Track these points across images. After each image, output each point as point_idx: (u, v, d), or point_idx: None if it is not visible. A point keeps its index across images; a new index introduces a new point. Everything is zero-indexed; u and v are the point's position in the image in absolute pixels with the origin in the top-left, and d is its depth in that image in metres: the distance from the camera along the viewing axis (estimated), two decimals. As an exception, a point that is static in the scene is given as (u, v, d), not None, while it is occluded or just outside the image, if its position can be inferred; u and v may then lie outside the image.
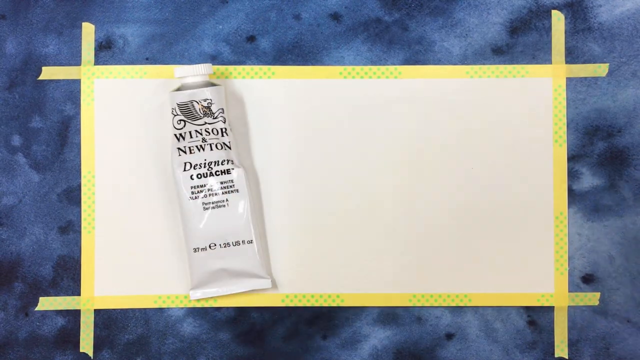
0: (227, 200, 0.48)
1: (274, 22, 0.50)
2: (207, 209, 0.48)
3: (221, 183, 0.48)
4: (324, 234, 0.50)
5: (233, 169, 0.48)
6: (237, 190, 0.48)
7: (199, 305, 0.49)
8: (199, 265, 0.48)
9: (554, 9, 0.50)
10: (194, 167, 0.48)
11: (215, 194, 0.48)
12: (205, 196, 0.48)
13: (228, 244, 0.48)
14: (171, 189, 0.49)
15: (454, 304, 0.49)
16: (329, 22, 0.50)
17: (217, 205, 0.48)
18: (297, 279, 0.49)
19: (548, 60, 0.50)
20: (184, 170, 0.47)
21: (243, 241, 0.48)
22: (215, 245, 0.48)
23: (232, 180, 0.48)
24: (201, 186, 0.48)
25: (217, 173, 0.48)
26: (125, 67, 0.50)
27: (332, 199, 0.50)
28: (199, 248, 0.48)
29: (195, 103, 0.46)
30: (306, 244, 0.49)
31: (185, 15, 0.50)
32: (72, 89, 0.50)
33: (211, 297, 0.49)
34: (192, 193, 0.48)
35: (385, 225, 0.49)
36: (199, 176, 0.48)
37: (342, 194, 0.50)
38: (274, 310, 0.50)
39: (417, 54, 0.50)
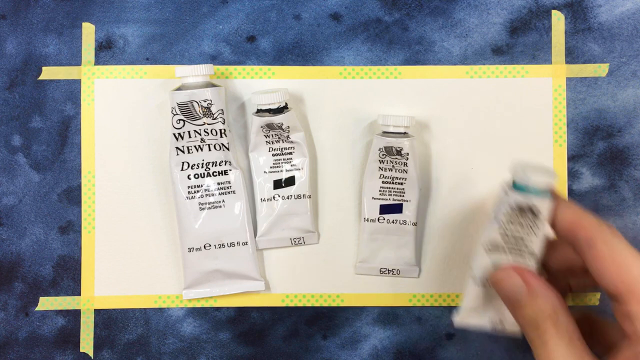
0: (223, 201, 0.47)
1: (274, 22, 0.49)
2: (203, 209, 0.46)
3: (218, 184, 0.47)
4: (324, 233, 0.49)
5: (230, 170, 0.47)
6: (234, 192, 0.47)
7: (198, 305, 0.48)
8: (193, 265, 0.47)
9: (554, 9, 0.49)
10: (192, 167, 0.46)
11: (212, 195, 0.47)
12: (201, 196, 0.47)
13: (223, 244, 0.47)
14: (171, 189, 0.48)
15: (454, 304, 0.48)
16: (329, 22, 0.49)
17: (213, 206, 0.47)
18: (297, 278, 0.49)
19: (548, 60, 0.49)
20: (182, 169, 0.46)
21: (238, 242, 0.47)
22: (210, 245, 0.47)
23: (229, 182, 0.47)
24: (198, 186, 0.47)
25: (215, 174, 0.47)
26: (125, 67, 0.49)
27: (331, 198, 0.49)
28: (193, 248, 0.46)
29: (195, 103, 0.45)
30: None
31: (186, 16, 0.49)
32: (72, 89, 0.49)
33: (204, 297, 0.48)
34: (189, 193, 0.46)
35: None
36: (196, 176, 0.47)
37: (340, 194, 0.49)
38: (274, 310, 0.49)
39: (417, 54, 0.49)
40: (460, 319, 0.42)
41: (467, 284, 0.42)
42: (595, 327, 0.40)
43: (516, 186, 0.39)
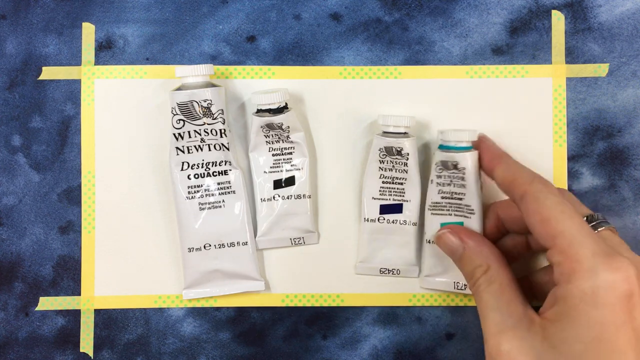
0: (223, 201, 0.47)
1: (274, 22, 0.49)
2: (203, 209, 0.46)
3: (218, 184, 0.47)
4: (324, 233, 0.49)
5: (230, 170, 0.47)
6: (234, 192, 0.47)
7: (198, 305, 0.48)
8: (193, 265, 0.47)
9: (554, 9, 0.49)
10: (192, 167, 0.46)
11: (212, 195, 0.47)
12: (201, 196, 0.47)
13: (223, 244, 0.47)
14: (171, 189, 0.48)
15: (453, 304, 0.48)
16: (329, 22, 0.49)
17: (213, 206, 0.47)
18: (297, 278, 0.49)
19: (548, 60, 0.49)
20: (182, 169, 0.46)
21: (238, 242, 0.47)
22: (210, 245, 0.47)
23: (229, 182, 0.47)
24: (198, 186, 0.47)
25: (215, 174, 0.47)
26: (125, 67, 0.49)
27: (331, 198, 0.49)
28: (193, 248, 0.46)
29: (195, 103, 0.45)
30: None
31: (185, 15, 0.49)
32: (72, 89, 0.49)
33: (204, 297, 0.48)
34: (189, 193, 0.46)
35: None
36: (196, 176, 0.47)
37: (340, 194, 0.49)
38: (274, 310, 0.49)
39: (417, 54, 0.49)
40: (425, 283, 0.47)
41: (424, 249, 0.47)
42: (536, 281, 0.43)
43: (440, 146, 0.44)
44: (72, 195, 0.48)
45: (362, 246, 0.47)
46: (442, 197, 0.45)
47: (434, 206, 0.45)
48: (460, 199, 0.44)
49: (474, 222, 0.44)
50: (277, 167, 0.47)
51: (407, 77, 0.49)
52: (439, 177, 0.44)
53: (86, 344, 0.48)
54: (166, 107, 0.47)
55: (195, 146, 0.46)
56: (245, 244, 0.47)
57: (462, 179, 0.43)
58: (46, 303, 0.48)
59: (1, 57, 0.49)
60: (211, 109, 0.45)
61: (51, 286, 0.48)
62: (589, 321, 0.32)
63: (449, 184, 0.44)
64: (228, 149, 0.46)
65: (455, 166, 0.43)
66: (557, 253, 0.34)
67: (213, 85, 0.46)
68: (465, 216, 0.44)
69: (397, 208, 0.47)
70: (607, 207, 0.48)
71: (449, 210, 0.45)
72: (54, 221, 0.48)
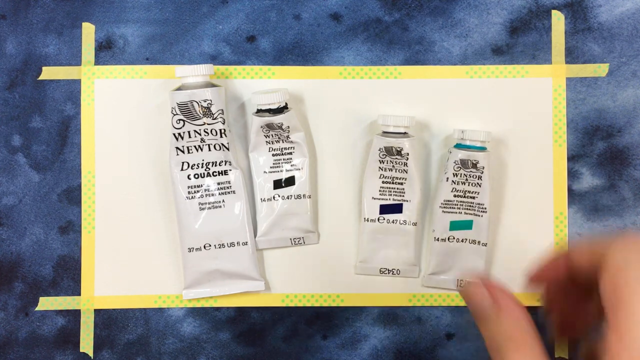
0: (223, 201, 0.47)
1: (274, 22, 0.49)
2: (203, 209, 0.46)
3: (218, 184, 0.47)
4: (324, 233, 0.49)
5: (230, 170, 0.47)
6: (234, 192, 0.47)
7: (198, 305, 0.48)
8: (193, 265, 0.47)
9: (554, 9, 0.49)
10: (192, 167, 0.46)
11: (212, 195, 0.47)
12: (201, 196, 0.47)
13: (223, 244, 0.47)
14: (171, 189, 0.48)
15: (453, 304, 0.48)
16: (329, 22, 0.49)
17: (213, 206, 0.47)
18: (296, 278, 0.49)
19: (548, 60, 0.49)
20: (182, 169, 0.46)
21: (238, 242, 0.47)
22: (210, 245, 0.47)
23: (229, 182, 0.47)
24: (198, 186, 0.47)
25: (215, 174, 0.47)
26: (125, 67, 0.49)
27: (331, 198, 0.49)
28: (193, 248, 0.46)
29: (195, 103, 0.45)
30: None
31: (185, 15, 0.49)
32: (72, 89, 0.49)
33: (204, 297, 0.48)
34: (189, 193, 0.46)
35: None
36: (196, 176, 0.47)
37: (339, 194, 0.49)
38: (274, 310, 0.49)
39: (417, 54, 0.49)
40: (427, 281, 0.48)
41: (430, 247, 0.47)
42: None
43: (457, 145, 0.46)
44: (72, 195, 0.48)
45: (362, 246, 0.47)
46: (455, 195, 0.46)
47: (445, 204, 0.46)
48: (474, 197, 0.46)
49: (484, 221, 0.46)
50: (277, 167, 0.47)
51: (407, 77, 0.49)
52: (455, 175, 0.46)
53: (86, 344, 0.48)
54: (166, 107, 0.47)
55: (195, 146, 0.46)
56: (245, 244, 0.47)
57: (480, 177, 0.45)
58: (46, 303, 0.48)
59: (1, 57, 0.49)
60: (211, 109, 0.45)
61: (51, 286, 0.48)
62: None
63: (464, 182, 0.46)
64: (228, 149, 0.46)
65: (474, 165, 0.45)
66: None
67: (213, 85, 0.46)
68: (476, 214, 0.46)
69: (397, 208, 0.47)
70: (607, 207, 0.48)
71: (459, 208, 0.46)
72: (54, 221, 0.48)
